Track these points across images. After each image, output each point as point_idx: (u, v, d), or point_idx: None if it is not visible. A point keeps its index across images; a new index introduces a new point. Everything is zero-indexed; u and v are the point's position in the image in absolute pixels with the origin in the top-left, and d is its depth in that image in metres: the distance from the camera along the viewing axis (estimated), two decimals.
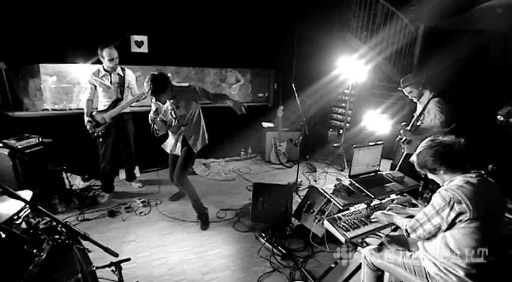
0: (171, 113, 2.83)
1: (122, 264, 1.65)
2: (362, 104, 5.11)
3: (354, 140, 4.80)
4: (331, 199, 2.15)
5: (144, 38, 3.88)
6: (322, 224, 2.09)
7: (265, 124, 5.04)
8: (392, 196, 2.27)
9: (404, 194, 2.30)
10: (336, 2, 5.23)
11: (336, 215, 1.99)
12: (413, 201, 2.23)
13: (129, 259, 1.68)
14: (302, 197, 3.04)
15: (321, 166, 4.81)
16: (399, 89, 2.95)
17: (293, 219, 2.96)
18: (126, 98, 3.35)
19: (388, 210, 1.98)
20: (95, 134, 3.26)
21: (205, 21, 4.23)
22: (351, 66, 4.52)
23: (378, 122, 3.13)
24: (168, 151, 3.04)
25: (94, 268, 1.74)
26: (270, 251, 2.61)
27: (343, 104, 5.35)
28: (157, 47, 4.05)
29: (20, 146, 2.90)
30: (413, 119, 2.92)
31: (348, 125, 5.19)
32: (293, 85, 3.65)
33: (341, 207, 2.05)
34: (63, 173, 3.25)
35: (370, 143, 2.44)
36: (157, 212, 3.26)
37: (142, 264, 2.41)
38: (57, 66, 3.86)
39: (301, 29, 4.93)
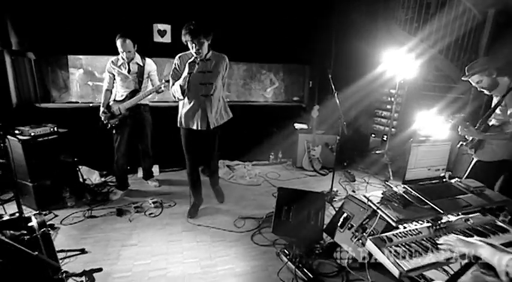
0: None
1: (113, 274, 1.26)
2: (411, 106, 4.38)
3: (402, 147, 4.09)
4: (379, 211, 1.58)
5: (167, 27, 3.66)
6: (363, 244, 1.53)
7: (298, 125, 4.54)
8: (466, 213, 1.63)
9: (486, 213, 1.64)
10: None
11: (384, 235, 1.42)
12: (499, 222, 1.56)
13: (100, 269, 1.29)
14: (337, 209, 2.49)
15: (360, 176, 4.15)
16: (464, 78, 2.28)
17: (325, 235, 2.41)
18: (144, 89, 3.12)
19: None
20: (109, 125, 3.05)
21: (234, 9, 3.90)
22: (398, 62, 3.88)
23: (432, 124, 2.48)
24: (195, 127, 2.64)
25: (63, 276, 1.38)
26: (293, 273, 2.08)
27: (389, 106, 4.66)
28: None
29: (32, 133, 2.76)
30: (486, 115, 2.23)
31: (393, 129, 4.48)
32: (330, 77, 3.13)
33: (393, 223, 1.48)
34: (77, 165, 3.06)
35: (435, 139, 1.83)
36: (168, 214, 2.90)
37: (138, 274, 2.03)
38: (84, 60, 3.80)
39: (339, 22, 4.42)
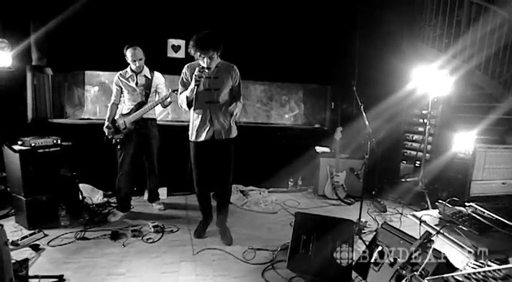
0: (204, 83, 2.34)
1: None
2: (447, 127, 3.88)
3: (444, 176, 3.58)
4: (443, 238, 1.12)
5: (181, 42, 3.60)
6: None
7: (319, 149, 4.15)
8: None
9: None
10: (405, 10, 4.39)
11: (451, 275, 0.95)
12: None
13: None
14: (368, 242, 2.02)
15: (392, 206, 3.61)
16: None
17: (354, 274, 1.92)
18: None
19: None
20: (114, 141, 2.86)
21: (251, 26, 3.80)
22: (428, 79, 3.51)
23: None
24: (202, 138, 2.41)
25: None
26: None
27: (420, 129, 4.18)
28: None
29: (33, 144, 2.60)
30: None
31: (427, 155, 3.95)
32: (355, 89, 2.81)
33: (468, 256, 1.02)
34: (76, 180, 2.83)
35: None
36: (168, 241, 2.53)
37: None
38: (100, 77, 3.78)
39: (362, 41, 4.20)
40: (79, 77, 3.74)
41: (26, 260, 1.90)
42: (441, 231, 1.12)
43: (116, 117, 2.94)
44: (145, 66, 2.97)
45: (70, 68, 3.59)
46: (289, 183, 4.26)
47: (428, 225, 1.17)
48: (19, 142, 2.65)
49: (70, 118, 3.77)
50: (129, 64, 2.90)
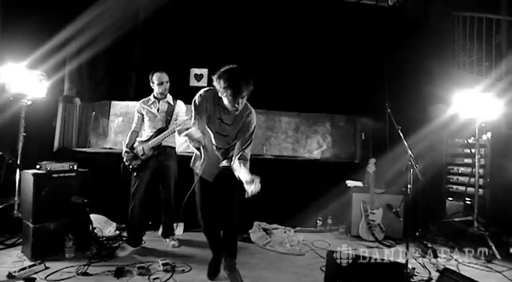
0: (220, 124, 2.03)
1: None
2: (502, 156, 3.37)
3: (507, 215, 3.02)
4: None
5: (204, 71, 3.62)
6: None
7: (350, 183, 3.76)
8: None
9: None
10: (434, 39, 4.22)
11: None
12: None
13: None
14: None
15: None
16: None
17: None
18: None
19: None
20: (130, 167, 2.73)
21: (274, 54, 3.77)
22: (472, 104, 3.17)
23: None
24: (211, 180, 2.14)
25: None
26: None
27: (467, 160, 3.68)
28: None
29: (48, 168, 2.52)
30: None
31: (480, 190, 3.40)
32: (390, 112, 2.54)
33: None
34: (87, 209, 2.65)
35: None
36: None
37: None
38: (125, 107, 3.83)
39: (392, 71, 4.01)
40: (105, 107, 3.83)
41: None
42: None
43: (135, 144, 2.87)
44: (168, 94, 2.96)
45: (97, 98, 3.68)
46: (318, 221, 3.82)
47: None
48: (37, 166, 2.60)
49: (93, 147, 3.76)
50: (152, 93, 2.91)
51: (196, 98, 1.98)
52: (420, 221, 3.52)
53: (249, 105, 2.04)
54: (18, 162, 2.87)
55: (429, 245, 3.01)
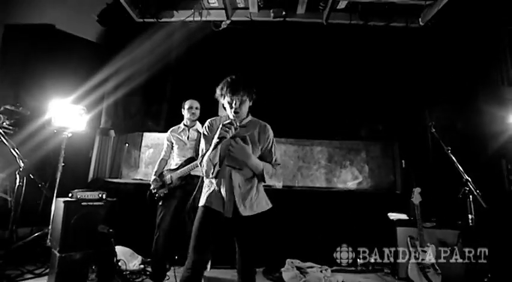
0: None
1: None
2: None
3: None
4: None
5: None
6: None
7: (393, 215, 3.37)
8: None
9: None
10: (480, 56, 3.94)
11: None
12: None
13: None
14: None
15: None
16: None
17: None
18: None
19: None
20: (157, 195, 2.68)
21: (305, 81, 3.72)
22: None
23: None
24: (223, 210, 1.79)
25: None
26: None
27: None
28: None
29: (79, 196, 2.53)
30: None
31: None
32: (434, 131, 2.28)
33: None
34: (112, 239, 2.57)
35: None
36: None
37: None
38: (156, 139, 3.92)
39: (429, 87, 3.75)
40: (137, 139, 3.95)
41: None
42: None
43: (163, 172, 2.84)
44: (198, 122, 2.98)
45: (130, 130, 3.82)
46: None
47: None
48: (69, 194, 2.63)
49: (124, 178, 3.82)
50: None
51: (205, 125, 1.95)
52: (490, 261, 2.96)
53: (261, 121, 1.98)
54: (55, 192, 2.95)
55: None
